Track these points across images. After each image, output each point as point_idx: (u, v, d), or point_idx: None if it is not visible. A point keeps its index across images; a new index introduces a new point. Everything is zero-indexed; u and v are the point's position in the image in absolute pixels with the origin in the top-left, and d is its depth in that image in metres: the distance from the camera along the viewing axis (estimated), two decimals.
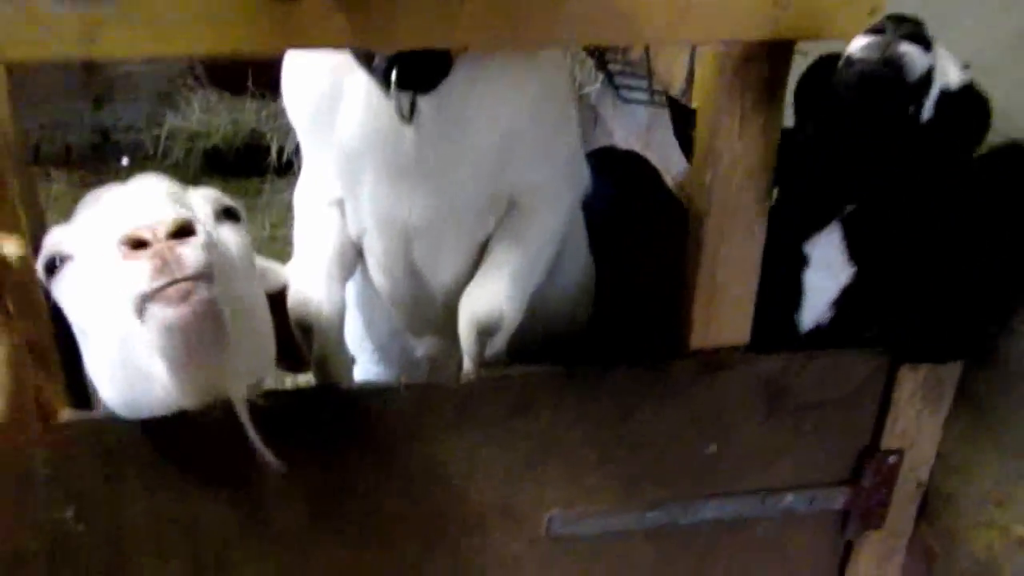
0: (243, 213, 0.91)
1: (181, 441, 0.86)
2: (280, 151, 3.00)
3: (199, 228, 0.72)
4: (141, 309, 0.69)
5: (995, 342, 0.94)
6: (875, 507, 1.07)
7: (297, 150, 2.94)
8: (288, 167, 2.96)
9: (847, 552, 1.12)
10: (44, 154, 2.96)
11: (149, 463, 0.86)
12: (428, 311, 1.04)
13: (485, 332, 0.93)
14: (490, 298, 0.92)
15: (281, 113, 3.11)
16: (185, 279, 0.69)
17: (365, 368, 1.22)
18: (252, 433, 0.80)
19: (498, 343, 0.95)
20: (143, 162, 3.01)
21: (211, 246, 0.72)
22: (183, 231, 0.71)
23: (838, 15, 0.79)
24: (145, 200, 0.77)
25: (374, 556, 0.97)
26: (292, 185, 1.05)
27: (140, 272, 0.69)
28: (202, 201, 0.86)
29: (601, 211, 1.20)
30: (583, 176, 1.05)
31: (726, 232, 0.89)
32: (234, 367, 0.76)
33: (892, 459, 1.04)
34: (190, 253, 0.70)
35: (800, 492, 1.04)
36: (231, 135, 3.07)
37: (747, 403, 0.98)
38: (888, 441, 1.03)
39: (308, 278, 0.97)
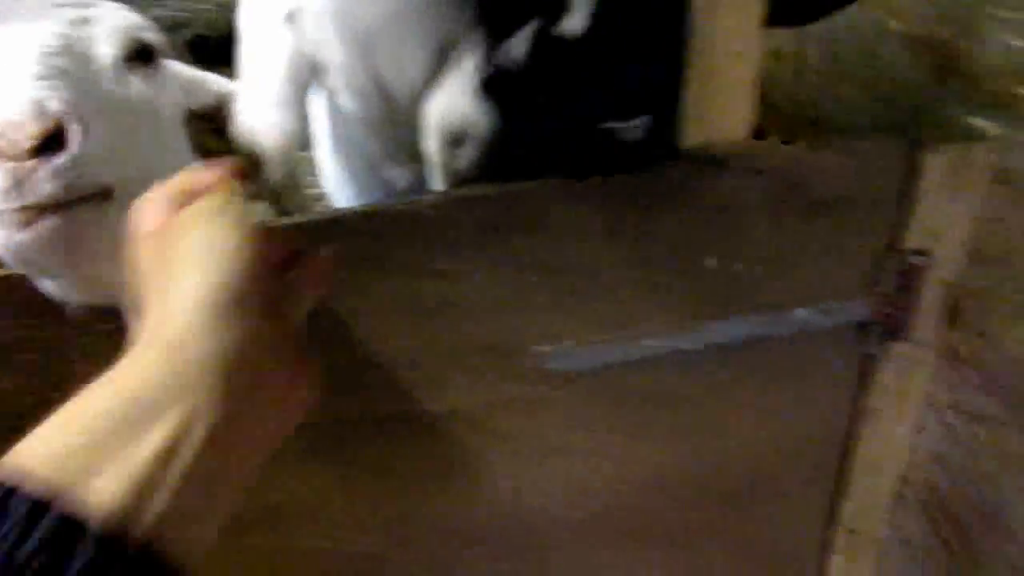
0: (166, 46, 0.76)
1: None
2: None
3: (71, 135, 0.59)
4: None
5: None
6: (898, 315, 0.97)
7: None
8: None
9: (870, 367, 1.03)
10: None
11: None
12: (402, 132, 0.94)
13: (453, 141, 0.82)
14: (454, 101, 0.81)
15: None
16: (36, 205, 0.58)
17: None
18: None
19: (468, 154, 0.83)
20: None
21: (79, 162, 0.59)
22: (51, 141, 0.58)
23: None
24: (22, 69, 0.61)
25: (349, 406, 0.89)
26: None
27: None
28: (110, 40, 0.71)
29: None
30: None
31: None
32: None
33: (917, 260, 0.93)
34: (48, 177, 0.57)
35: (815, 305, 0.94)
36: (216, 21, 2.87)
37: (753, 205, 0.86)
38: (912, 240, 0.92)
39: (255, 104, 0.86)
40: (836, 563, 1.25)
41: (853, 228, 0.91)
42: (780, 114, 1.06)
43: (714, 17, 0.77)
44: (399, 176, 1.06)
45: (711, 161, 0.83)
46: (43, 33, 0.65)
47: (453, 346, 0.88)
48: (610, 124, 0.71)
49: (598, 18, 0.73)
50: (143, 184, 0.63)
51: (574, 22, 0.72)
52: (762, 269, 0.91)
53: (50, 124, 0.57)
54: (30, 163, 0.56)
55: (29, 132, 0.56)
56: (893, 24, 1.03)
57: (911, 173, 0.87)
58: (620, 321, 0.91)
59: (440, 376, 0.90)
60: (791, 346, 0.99)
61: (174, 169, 0.71)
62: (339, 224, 0.78)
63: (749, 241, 0.89)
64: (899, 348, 1.01)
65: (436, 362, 0.89)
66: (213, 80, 0.84)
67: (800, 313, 0.95)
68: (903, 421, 1.09)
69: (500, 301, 0.86)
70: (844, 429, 1.09)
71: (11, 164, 0.56)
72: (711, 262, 0.89)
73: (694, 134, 0.83)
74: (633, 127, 0.71)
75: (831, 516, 1.20)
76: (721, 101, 0.81)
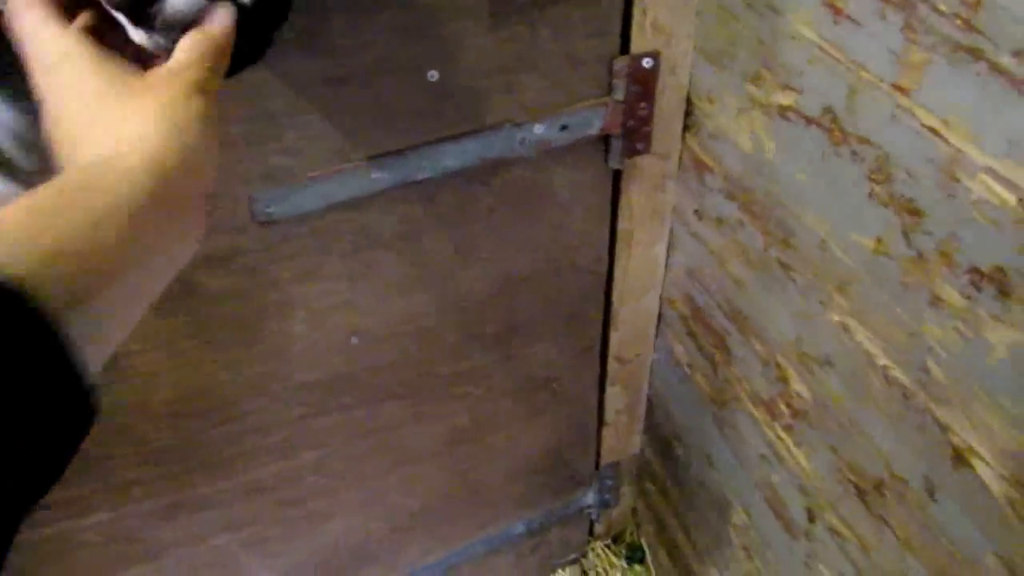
0: None
1: None
2: None
3: None
4: None
5: None
6: (637, 125, 0.94)
7: None
8: None
9: (617, 184, 1.01)
10: None
11: None
12: None
13: None
14: None
15: None
16: None
17: None
18: None
19: None
20: None
21: None
22: None
23: None
24: None
25: None
26: None
27: None
28: None
29: None
30: None
31: None
32: None
33: (647, 62, 0.90)
34: None
35: (550, 118, 0.89)
36: None
37: (464, 4, 0.78)
38: (639, 42, 0.88)
39: None
40: (612, 393, 1.27)
41: (578, 31, 0.85)
42: None
43: None
44: None
45: None
46: None
47: None
48: None
49: None
50: None
51: None
52: (490, 80, 0.84)
53: None
54: None
55: None
56: None
57: None
58: (341, 152, 0.81)
59: None
60: (536, 167, 0.94)
61: None
62: None
63: (470, 49, 0.81)
64: (644, 161, 0.99)
65: None
66: None
67: (537, 129, 0.89)
68: (656, 239, 1.09)
69: None
70: (602, 253, 1.08)
71: None
72: (433, 74, 0.81)
73: None
74: None
75: (603, 344, 1.21)
76: None
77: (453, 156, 0.86)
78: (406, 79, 0.80)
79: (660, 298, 1.18)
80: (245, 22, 0.52)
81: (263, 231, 0.83)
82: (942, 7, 0.59)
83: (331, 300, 0.92)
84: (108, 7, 0.47)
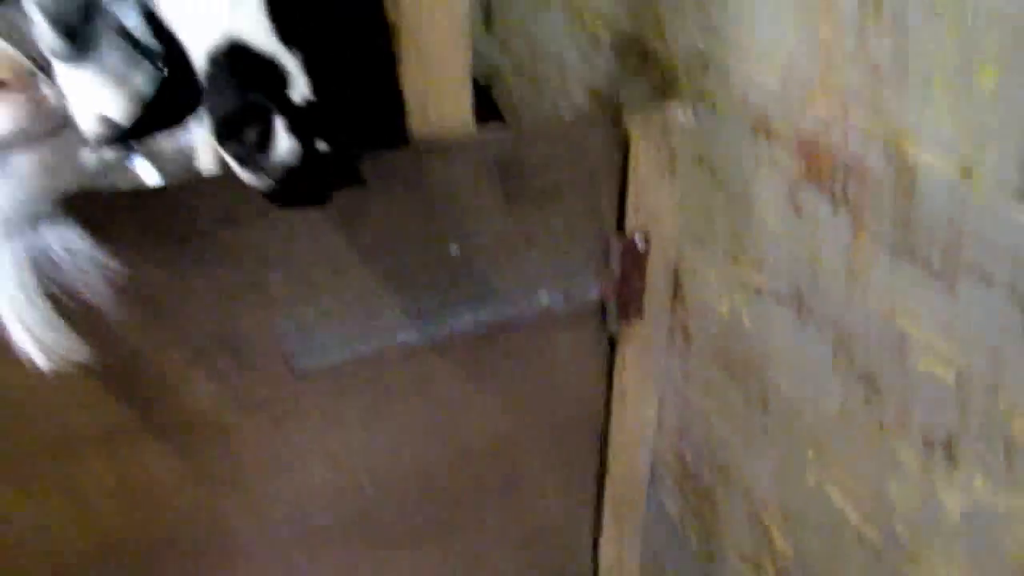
0: None
1: None
2: None
3: None
4: None
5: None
6: (631, 295, 1.05)
7: None
8: None
9: (613, 349, 1.11)
10: None
11: None
12: None
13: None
14: None
15: None
16: None
17: None
18: None
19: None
20: None
21: None
22: None
23: None
24: None
25: (69, 419, 0.83)
26: None
27: None
28: None
29: None
30: None
31: None
32: None
33: (639, 241, 1.02)
34: None
35: (553, 288, 1.00)
36: None
37: (483, 190, 0.91)
38: (633, 221, 1.01)
39: None
40: (606, 545, 1.31)
41: (580, 211, 0.98)
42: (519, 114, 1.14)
43: (421, 21, 0.82)
44: None
45: (438, 146, 0.87)
46: None
47: (190, 344, 0.84)
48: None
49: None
50: None
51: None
52: (502, 254, 0.95)
53: None
54: None
55: None
56: (603, 33, 1.14)
57: (624, 158, 0.96)
58: (370, 313, 0.91)
59: (183, 383, 0.86)
60: (540, 330, 1.04)
61: None
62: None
63: (487, 227, 0.93)
64: (637, 328, 1.09)
65: (176, 365, 0.84)
66: None
67: (543, 297, 1.00)
68: (648, 399, 1.18)
69: (238, 295, 0.84)
70: (598, 412, 1.16)
71: None
72: (454, 249, 0.93)
73: (420, 123, 0.86)
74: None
75: (597, 500, 1.26)
76: (439, 89, 0.85)
77: (467, 319, 0.97)
78: (430, 251, 0.91)
79: (652, 454, 1.25)
80: (316, 165, 0.63)
81: (296, 382, 0.91)
82: (883, 209, 0.71)
83: (350, 447, 0.99)
84: (224, 153, 0.59)
